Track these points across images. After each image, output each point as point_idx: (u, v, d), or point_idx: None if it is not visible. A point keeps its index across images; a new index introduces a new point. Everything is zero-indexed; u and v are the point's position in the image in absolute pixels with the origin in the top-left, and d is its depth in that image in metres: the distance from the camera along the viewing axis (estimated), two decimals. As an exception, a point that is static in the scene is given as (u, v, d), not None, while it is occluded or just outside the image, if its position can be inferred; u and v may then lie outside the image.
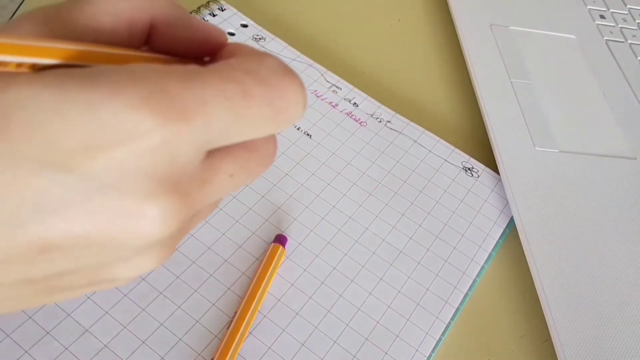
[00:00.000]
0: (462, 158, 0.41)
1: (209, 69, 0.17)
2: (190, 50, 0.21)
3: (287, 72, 0.18)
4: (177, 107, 0.16)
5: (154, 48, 0.20)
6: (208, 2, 0.46)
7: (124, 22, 0.19)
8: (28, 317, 0.28)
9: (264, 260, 0.32)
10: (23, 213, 0.16)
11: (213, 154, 0.18)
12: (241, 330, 0.29)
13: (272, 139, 0.20)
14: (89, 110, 0.15)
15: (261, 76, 0.17)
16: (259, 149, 0.20)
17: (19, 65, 0.16)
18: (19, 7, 0.44)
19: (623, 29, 0.55)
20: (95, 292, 0.29)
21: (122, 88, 0.15)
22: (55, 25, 0.18)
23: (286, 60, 0.43)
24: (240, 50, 0.19)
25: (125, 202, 0.16)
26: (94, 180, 0.16)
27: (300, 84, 0.18)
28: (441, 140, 0.41)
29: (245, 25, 0.45)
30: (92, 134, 0.15)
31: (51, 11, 0.18)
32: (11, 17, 0.42)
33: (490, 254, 0.36)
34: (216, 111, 0.16)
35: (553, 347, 0.32)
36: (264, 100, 0.17)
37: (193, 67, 0.17)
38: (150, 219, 0.17)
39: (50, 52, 0.16)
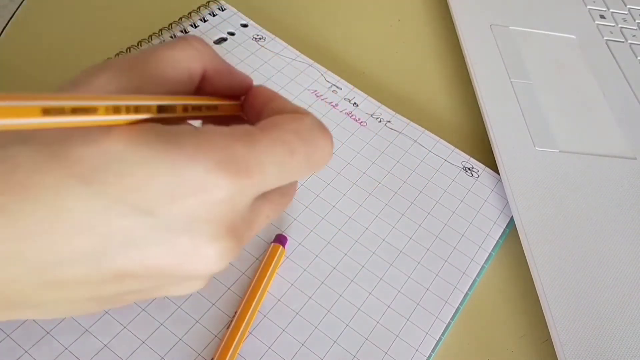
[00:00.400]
0: (462, 158, 0.41)
1: (262, 131, 0.21)
2: (229, 92, 0.25)
3: (322, 129, 0.22)
4: (242, 168, 0.20)
5: (203, 90, 0.24)
6: (208, 2, 0.46)
7: (184, 71, 0.23)
8: (28, 317, 0.28)
9: (264, 260, 0.32)
10: (110, 246, 0.19)
11: (256, 199, 0.22)
12: (241, 330, 0.29)
13: (295, 183, 0.25)
14: (173, 168, 0.19)
15: (303, 135, 0.22)
16: (288, 194, 0.25)
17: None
18: (18, 7, 0.44)
19: (623, 29, 0.55)
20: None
21: (200, 152, 0.19)
22: (133, 76, 0.21)
23: (286, 60, 0.44)
24: (273, 99, 0.24)
25: (193, 242, 0.20)
26: (170, 223, 0.19)
27: (331, 138, 0.23)
28: (441, 140, 0.41)
29: (245, 25, 0.45)
30: (173, 187, 0.19)
31: (126, 64, 0.21)
32: (11, 17, 0.42)
33: (490, 254, 0.36)
34: (270, 169, 0.20)
35: (553, 347, 0.32)
36: (305, 156, 0.22)
37: (249, 128, 0.21)
38: (211, 257, 0.20)
39: (138, 109, 0.19)
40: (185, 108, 0.21)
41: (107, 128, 0.19)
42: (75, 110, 0.17)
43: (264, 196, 0.23)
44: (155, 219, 0.19)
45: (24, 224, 0.18)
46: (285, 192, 0.24)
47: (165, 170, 0.19)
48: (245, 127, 0.21)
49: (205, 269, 0.21)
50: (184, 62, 0.23)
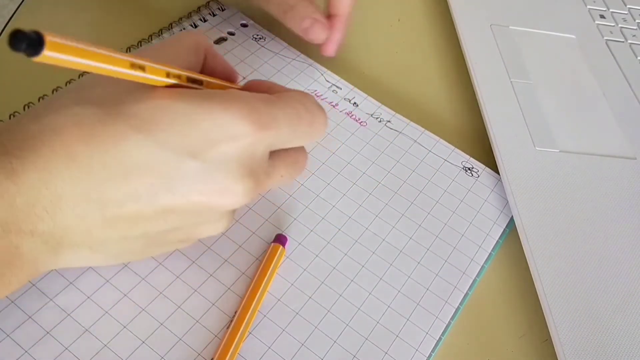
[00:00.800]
0: (462, 158, 0.41)
1: (278, 96, 0.27)
2: (222, 75, 0.30)
3: (319, 106, 0.29)
4: (263, 121, 0.25)
5: (205, 72, 0.29)
6: (208, 2, 0.46)
7: (193, 52, 0.28)
8: (28, 317, 0.28)
9: (264, 260, 0.32)
10: (162, 183, 0.23)
11: (273, 157, 0.28)
12: (241, 330, 0.29)
13: (305, 153, 0.30)
14: (211, 116, 0.24)
15: (307, 106, 0.28)
16: (299, 161, 0.30)
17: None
18: (18, 7, 0.44)
19: (623, 29, 0.55)
20: (96, 291, 0.29)
21: (231, 105, 0.24)
22: (168, 56, 0.27)
23: (286, 60, 0.44)
24: (275, 85, 0.30)
25: (226, 180, 0.25)
26: (209, 164, 0.24)
27: (326, 114, 0.29)
28: (441, 140, 0.41)
29: (245, 25, 0.45)
30: (211, 133, 0.24)
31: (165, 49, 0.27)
32: (11, 17, 0.42)
33: (490, 253, 0.36)
34: (283, 126, 0.26)
35: (553, 347, 0.32)
36: (308, 122, 0.28)
37: (267, 94, 0.27)
38: (238, 193, 0.25)
39: (179, 76, 0.25)
40: (205, 83, 0.27)
41: (152, 88, 0.24)
42: (145, 68, 0.22)
43: (279, 157, 0.28)
44: (197, 160, 0.23)
45: (90, 170, 0.22)
46: (297, 158, 0.30)
47: (204, 118, 0.23)
48: (264, 93, 0.27)
49: (232, 203, 0.25)
50: (193, 45, 0.28)
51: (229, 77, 0.30)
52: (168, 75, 0.24)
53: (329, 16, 0.43)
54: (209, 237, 0.29)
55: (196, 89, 0.26)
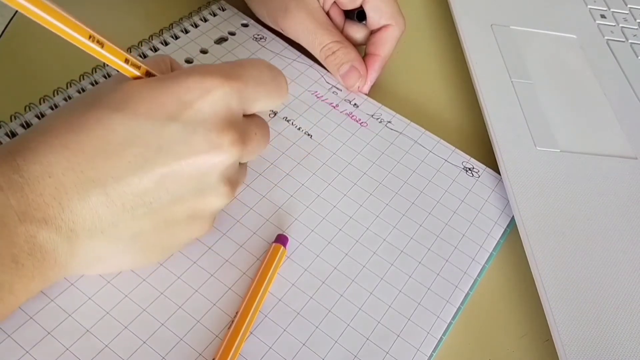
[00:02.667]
0: (463, 158, 0.41)
1: (237, 61, 0.29)
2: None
3: (276, 67, 0.31)
4: (230, 73, 0.27)
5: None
6: (208, 2, 0.46)
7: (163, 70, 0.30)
8: (29, 318, 0.28)
9: (265, 260, 0.32)
10: (150, 152, 0.25)
11: (246, 117, 0.29)
12: (242, 330, 0.29)
13: (266, 124, 0.32)
14: (178, 83, 0.26)
15: (266, 64, 0.30)
16: (264, 124, 0.31)
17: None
18: (19, 8, 0.43)
19: (624, 29, 0.55)
20: (97, 292, 0.29)
21: (198, 70, 0.27)
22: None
23: (287, 61, 0.44)
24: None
25: (209, 135, 0.26)
26: (188, 124, 0.26)
27: (284, 76, 0.31)
28: (441, 140, 0.41)
29: (245, 25, 0.45)
30: (184, 95, 0.26)
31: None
32: (12, 17, 0.42)
33: (491, 253, 0.36)
34: (249, 79, 0.28)
35: (554, 347, 0.32)
36: (270, 77, 0.30)
37: (233, 61, 0.29)
38: (225, 145, 0.27)
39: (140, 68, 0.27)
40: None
41: (123, 76, 0.27)
42: (104, 45, 0.25)
43: (249, 118, 0.30)
44: (177, 122, 0.26)
45: (83, 153, 0.24)
46: (262, 122, 0.31)
47: (175, 85, 0.26)
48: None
49: (223, 160, 0.27)
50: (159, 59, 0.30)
51: None
52: (127, 60, 0.26)
53: (368, 55, 0.43)
54: (218, 210, 0.30)
55: None
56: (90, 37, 0.24)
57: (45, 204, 0.24)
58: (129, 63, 0.26)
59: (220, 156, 0.27)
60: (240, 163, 0.31)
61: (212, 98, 0.26)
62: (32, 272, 0.24)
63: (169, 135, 0.25)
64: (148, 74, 0.27)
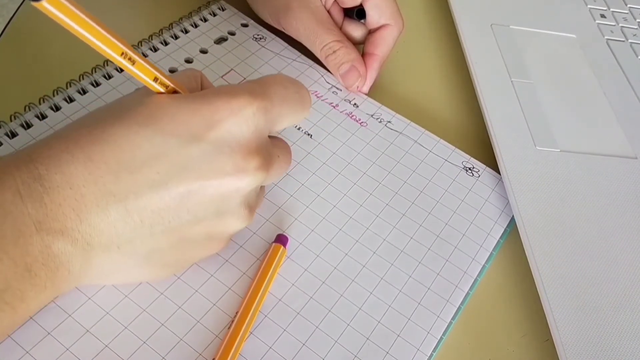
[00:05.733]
0: (463, 158, 0.41)
1: (264, 79, 0.29)
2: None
3: (300, 82, 0.31)
4: (257, 91, 0.27)
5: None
6: (208, 2, 0.46)
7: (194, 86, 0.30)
8: (29, 318, 0.28)
9: (265, 260, 0.32)
10: (173, 170, 0.25)
11: (269, 139, 0.29)
12: (242, 330, 0.29)
13: (289, 148, 0.32)
14: (207, 102, 0.26)
15: (289, 79, 0.30)
16: (286, 146, 0.31)
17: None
18: (19, 7, 0.44)
19: (624, 28, 0.55)
20: (97, 292, 0.29)
21: (225, 90, 0.27)
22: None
23: (287, 61, 0.44)
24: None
25: (235, 157, 0.26)
26: (214, 145, 0.25)
27: (307, 89, 0.31)
28: (441, 140, 0.41)
29: (245, 25, 0.45)
30: (212, 115, 0.25)
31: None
32: (11, 17, 0.42)
33: (491, 253, 0.36)
34: (274, 96, 0.28)
35: (554, 347, 0.32)
36: (294, 91, 0.30)
37: (250, 81, 0.29)
38: (250, 169, 0.26)
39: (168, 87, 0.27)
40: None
41: (150, 90, 0.26)
42: (135, 63, 0.24)
43: (274, 141, 0.30)
44: (203, 142, 0.25)
45: (107, 166, 0.24)
46: (284, 145, 0.31)
47: (203, 105, 0.26)
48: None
49: (247, 184, 0.26)
50: (191, 75, 0.30)
51: None
52: (156, 79, 0.26)
53: (366, 54, 0.43)
54: (236, 232, 0.29)
55: None
56: (122, 54, 0.23)
57: (63, 215, 0.24)
58: (158, 82, 0.26)
59: (244, 180, 0.26)
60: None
61: (240, 119, 0.26)
62: (44, 282, 0.24)
63: (194, 154, 0.25)
64: (175, 93, 0.27)
